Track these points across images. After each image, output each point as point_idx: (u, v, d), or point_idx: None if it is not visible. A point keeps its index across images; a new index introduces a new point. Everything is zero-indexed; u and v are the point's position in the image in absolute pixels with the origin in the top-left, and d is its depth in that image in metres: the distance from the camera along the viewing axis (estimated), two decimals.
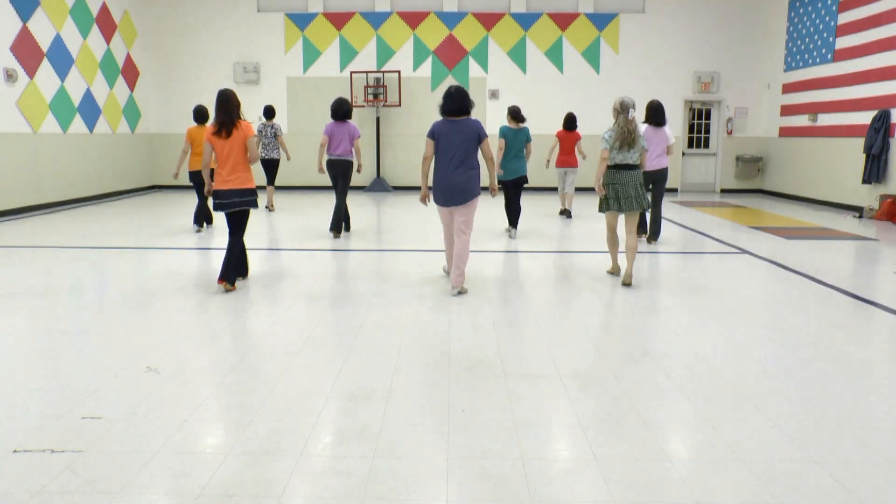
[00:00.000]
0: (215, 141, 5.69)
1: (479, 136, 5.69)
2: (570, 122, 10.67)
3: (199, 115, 9.04)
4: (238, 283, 6.11)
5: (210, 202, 9.07)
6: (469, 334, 4.55)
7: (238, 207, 5.79)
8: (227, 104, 5.65)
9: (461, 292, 5.77)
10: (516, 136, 8.67)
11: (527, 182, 8.90)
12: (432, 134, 5.72)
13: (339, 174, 8.69)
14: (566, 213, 10.97)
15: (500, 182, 8.76)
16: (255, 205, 5.87)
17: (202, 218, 9.28)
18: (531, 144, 8.87)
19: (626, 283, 6.06)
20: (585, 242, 8.49)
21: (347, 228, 9.11)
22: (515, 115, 8.73)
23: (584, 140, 13.50)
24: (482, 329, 4.67)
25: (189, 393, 3.50)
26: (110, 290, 5.88)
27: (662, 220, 8.84)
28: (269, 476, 2.66)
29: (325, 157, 8.70)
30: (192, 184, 9.28)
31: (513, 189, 8.86)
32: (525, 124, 8.80)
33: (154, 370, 3.81)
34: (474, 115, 5.90)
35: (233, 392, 3.53)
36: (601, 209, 6.21)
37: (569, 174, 10.82)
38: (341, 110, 8.57)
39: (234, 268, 5.88)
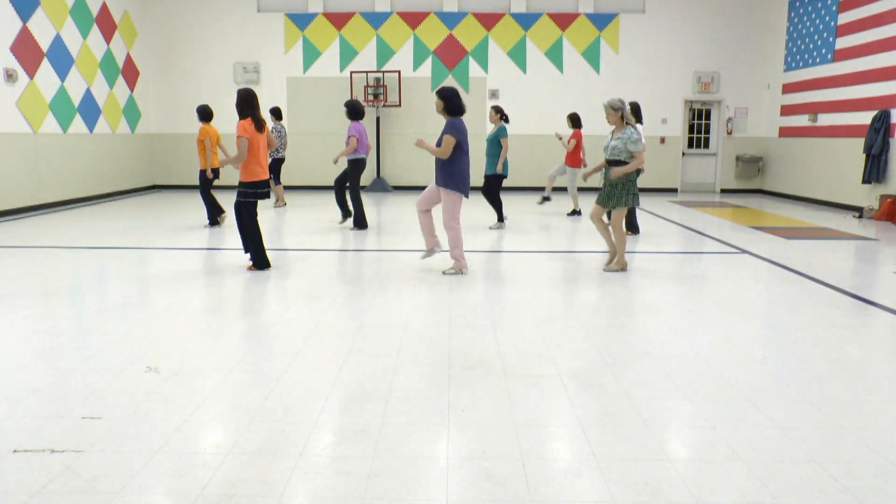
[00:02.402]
0: (259, 137, 6.40)
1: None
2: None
3: (208, 114, 9.44)
4: (237, 282, 6.16)
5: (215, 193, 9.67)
6: (469, 334, 4.55)
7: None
8: (258, 103, 6.43)
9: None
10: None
11: (494, 180, 9.53)
12: (460, 133, 6.20)
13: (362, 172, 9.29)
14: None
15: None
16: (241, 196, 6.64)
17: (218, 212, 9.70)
18: (505, 140, 9.45)
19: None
20: (583, 241, 8.49)
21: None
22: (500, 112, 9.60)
23: (587, 140, 13.53)
24: (482, 329, 4.67)
25: (189, 393, 3.50)
26: (110, 290, 5.88)
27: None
28: (269, 476, 2.66)
29: (355, 156, 9.13)
30: (205, 182, 9.48)
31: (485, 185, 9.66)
32: (500, 123, 9.57)
33: (154, 370, 3.81)
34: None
35: (233, 392, 3.53)
36: (629, 203, 6.44)
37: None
38: (363, 110, 9.24)
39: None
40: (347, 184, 9.32)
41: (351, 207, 9.48)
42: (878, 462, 2.82)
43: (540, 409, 3.33)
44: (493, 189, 9.58)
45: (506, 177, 9.60)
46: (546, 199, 12.09)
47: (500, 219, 9.67)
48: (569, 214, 11.21)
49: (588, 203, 12.66)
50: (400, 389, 3.56)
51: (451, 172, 6.28)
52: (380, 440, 2.97)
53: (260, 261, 6.57)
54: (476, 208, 11.14)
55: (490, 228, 9.60)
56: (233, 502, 2.47)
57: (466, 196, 6.39)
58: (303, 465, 2.75)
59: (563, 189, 12.22)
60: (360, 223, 9.32)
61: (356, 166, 9.21)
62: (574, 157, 10.91)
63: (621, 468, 2.74)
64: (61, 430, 3.04)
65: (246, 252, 6.67)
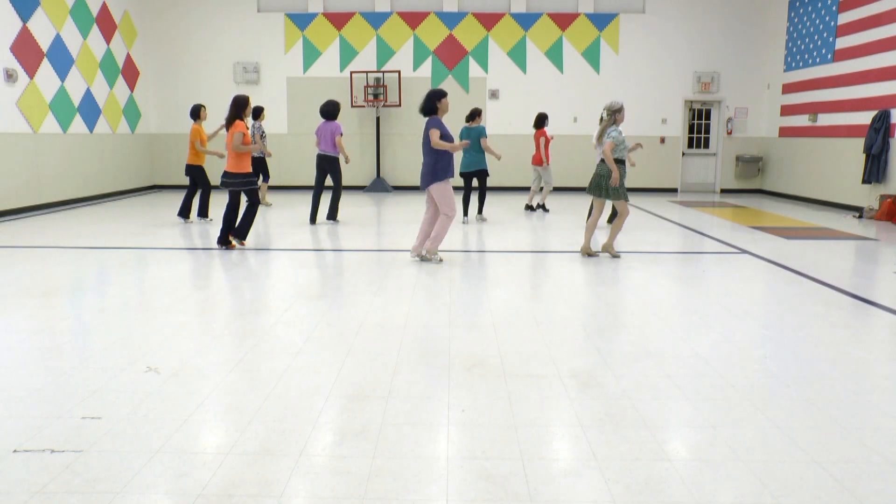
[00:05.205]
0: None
1: (426, 132, 6.92)
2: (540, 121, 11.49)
3: (197, 112, 9.99)
4: (237, 282, 6.16)
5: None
6: (469, 334, 4.55)
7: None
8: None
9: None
10: (469, 132, 10.04)
11: (487, 174, 10.27)
12: (443, 127, 6.88)
13: (323, 168, 9.85)
14: (541, 208, 11.79)
15: (460, 174, 10.22)
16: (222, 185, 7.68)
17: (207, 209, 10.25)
18: (486, 140, 10.05)
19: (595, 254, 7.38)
20: (579, 241, 8.48)
21: (332, 217, 10.07)
22: (471, 115, 10.18)
23: (587, 140, 13.46)
24: (482, 329, 4.68)
25: (189, 393, 3.50)
26: (110, 289, 5.88)
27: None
28: (269, 476, 2.66)
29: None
30: (195, 178, 10.02)
31: (474, 179, 10.29)
32: (479, 122, 10.16)
33: (154, 370, 3.81)
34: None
35: (233, 392, 3.53)
36: (624, 197, 7.17)
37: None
38: (323, 110, 9.82)
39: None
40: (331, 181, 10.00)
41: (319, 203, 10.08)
42: (878, 462, 2.82)
43: (540, 409, 3.33)
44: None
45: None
46: (535, 207, 11.85)
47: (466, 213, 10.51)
48: (542, 209, 11.74)
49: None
50: (400, 389, 3.56)
51: (438, 164, 6.88)
52: (380, 440, 2.97)
53: (224, 238, 7.70)
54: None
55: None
56: (233, 502, 2.47)
57: (453, 176, 7.04)
58: (303, 465, 2.75)
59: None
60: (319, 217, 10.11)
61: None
62: (539, 157, 11.19)
63: (621, 468, 2.74)
64: (61, 430, 3.04)
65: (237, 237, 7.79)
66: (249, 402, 3.38)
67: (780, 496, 2.54)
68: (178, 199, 13.48)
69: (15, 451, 2.85)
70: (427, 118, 6.96)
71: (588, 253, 7.43)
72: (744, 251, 7.90)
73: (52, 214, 10.95)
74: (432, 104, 6.89)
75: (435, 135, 6.79)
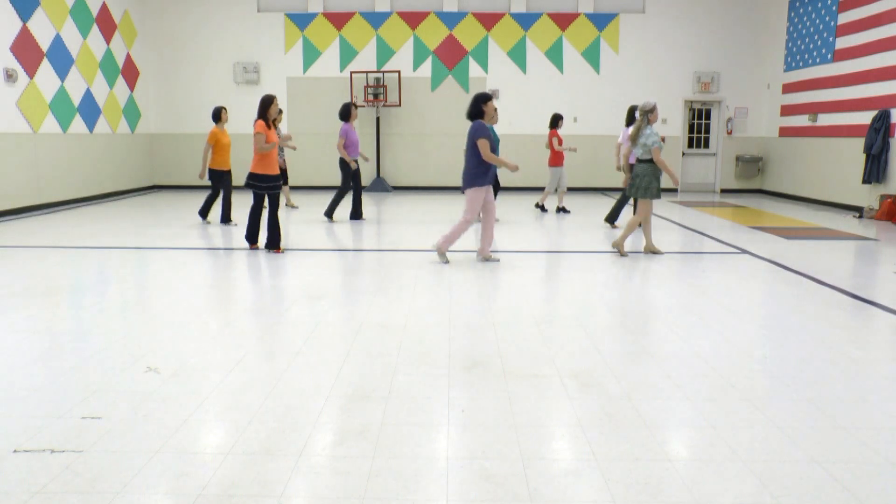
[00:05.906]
0: (270, 134, 7.58)
1: (471, 138, 6.78)
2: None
3: (218, 115, 9.80)
4: (237, 282, 6.16)
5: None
6: (469, 334, 4.55)
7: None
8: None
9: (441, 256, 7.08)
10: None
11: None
12: (490, 133, 6.82)
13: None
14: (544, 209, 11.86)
15: None
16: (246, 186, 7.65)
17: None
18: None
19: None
20: (580, 241, 8.49)
21: (327, 215, 10.23)
22: None
23: (587, 140, 13.39)
24: (482, 329, 4.67)
25: (189, 393, 3.50)
26: (110, 289, 5.88)
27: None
28: (269, 476, 2.66)
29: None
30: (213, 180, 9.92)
31: None
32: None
33: (154, 370, 3.81)
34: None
35: (233, 392, 3.53)
36: (655, 196, 7.34)
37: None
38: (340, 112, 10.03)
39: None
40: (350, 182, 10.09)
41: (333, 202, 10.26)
42: (878, 462, 2.82)
43: (540, 409, 3.33)
44: None
45: None
46: (559, 209, 11.87)
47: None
48: (540, 209, 11.73)
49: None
50: (400, 389, 3.56)
51: (479, 169, 6.78)
52: (380, 440, 2.97)
53: (252, 237, 7.74)
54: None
55: None
56: (233, 502, 2.47)
57: (491, 184, 6.95)
58: (303, 465, 2.75)
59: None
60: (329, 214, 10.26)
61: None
62: (556, 158, 11.22)
63: (621, 468, 2.74)
64: (61, 430, 3.04)
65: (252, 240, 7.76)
66: (249, 402, 3.38)
67: (780, 496, 2.54)
68: (177, 199, 13.50)
69: (15, 451, 2.85)
70: (472, 122, 6.80)
71: (653, 250, 7.64)
72: (744, 251, 7.90)
73: (52, 214, 10.94)
74: (478, 108, 6.76)
75: (485, 147, 6.64)
